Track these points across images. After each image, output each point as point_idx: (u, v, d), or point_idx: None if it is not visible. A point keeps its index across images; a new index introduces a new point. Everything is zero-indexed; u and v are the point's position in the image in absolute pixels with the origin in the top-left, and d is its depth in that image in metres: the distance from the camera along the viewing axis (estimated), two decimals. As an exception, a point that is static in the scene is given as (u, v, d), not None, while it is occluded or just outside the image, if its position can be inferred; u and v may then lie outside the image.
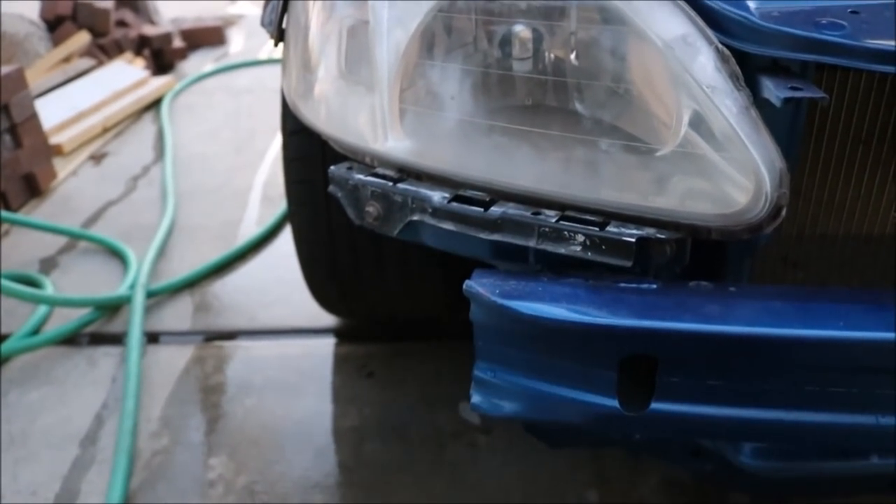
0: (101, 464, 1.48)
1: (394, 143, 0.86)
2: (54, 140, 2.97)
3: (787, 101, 0.66)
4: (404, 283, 1.46)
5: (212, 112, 3.61)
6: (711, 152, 0.71)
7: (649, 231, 0.73)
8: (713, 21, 0.72)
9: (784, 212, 0.69)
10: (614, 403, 0.70)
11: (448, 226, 0.80)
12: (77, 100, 3.34)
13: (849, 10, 0.72)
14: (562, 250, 0.74)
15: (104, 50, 4.00)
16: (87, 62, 3.78)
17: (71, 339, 1.87)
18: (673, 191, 0.73)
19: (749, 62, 0.72)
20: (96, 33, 4.00)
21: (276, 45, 1.10)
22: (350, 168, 0.89)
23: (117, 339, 1.86)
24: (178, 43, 4.52)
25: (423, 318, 1.73)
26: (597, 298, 0.71)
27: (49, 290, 2.03)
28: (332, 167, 0.90)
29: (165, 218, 2.43)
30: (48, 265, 2.24)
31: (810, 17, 0.71)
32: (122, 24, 4.26)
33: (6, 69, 2.54)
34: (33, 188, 2.66)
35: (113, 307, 1.97)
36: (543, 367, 0.74)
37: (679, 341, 0.67)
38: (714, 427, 0.71)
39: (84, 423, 1.59)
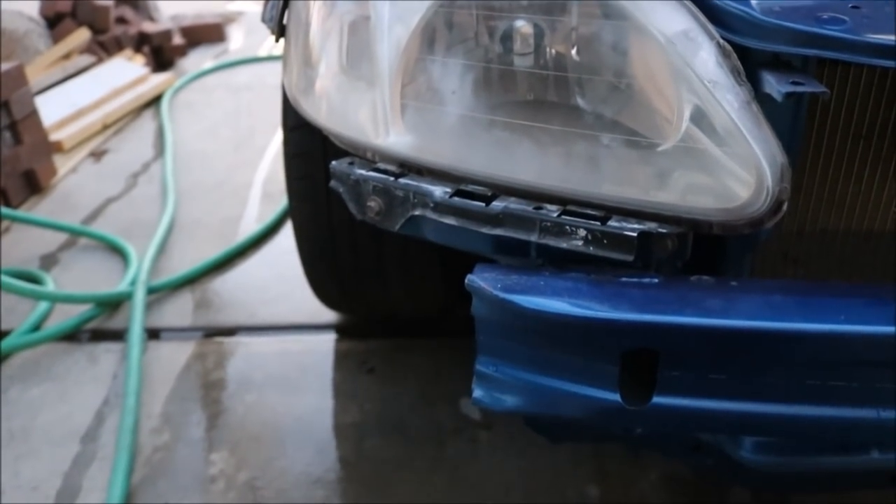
0: (102, 460, 1.48)
1: (395, 139, 0.86)
2: (54, 137, 2.97)
3: (788, 95, 0.67)
4: (405, 280, 1.46)
5: (211, 109, 3.60)
6: (713, 147, 0.71)
7: (651, 225, 0.73)
8: (714, 16, 0.72)
9: (785, 206, 0.70)
10: (616, 397, 0.71)
11: (449, 221, 0.80)
12: (77, 97, 3.34)
13: (850, 5, 0.73)
14: (563, 245, 0.74)
15: (104, 47, 4.00)
16: (86, 59, 3.78)
17: (72, 336, 1.87)
18: (674, 185, 0.73)
19: (750, 57, 0.72)
20: (96, 30, 4.00)
21: (277, 40, 1.10)
22: (351, 163, 0.89)
23: (118, 336, 1.86)
24: (177, 40, 4.51)
25: (424, 314, 1.73)
26: (598, 292, 0.71)
27: (50, 286, 2.03)
28: (333, 162, 0.90)
29: (166, 215, 2.43)
30: (49, 262, 2.24)
31: (811, 11, 0.71)
32: (121, 20, 4.26)
33: (6, 66, 2.54)
34: (34, 185, 2.66)
35: (114, 304, 1.97)
36: (545, 361, 0.74)
37: (680, 335, 0.67)
38: (715, 421, 0.71)
39: (85, 419, 1.59)
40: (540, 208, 0.76)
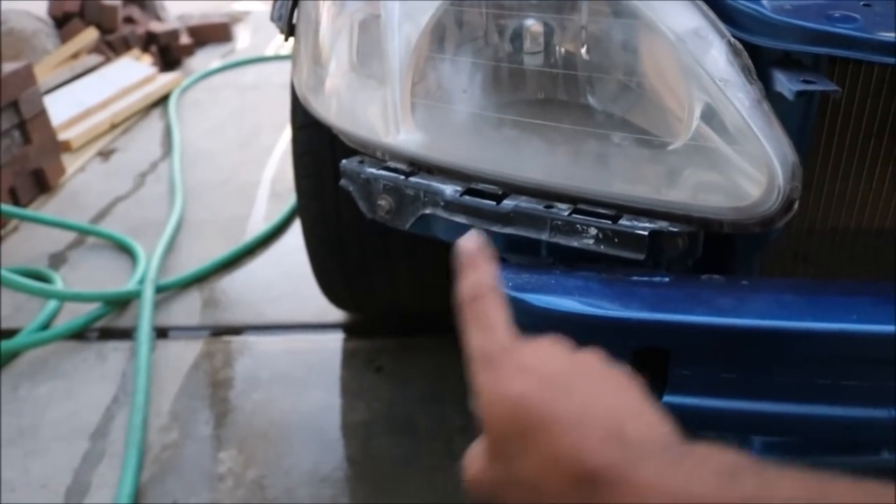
0: (112, 457, 1.49)
1: (405, 137, 0.86)
2: (63, 136, 2.98)
3: (799, 94, 0.66)
4: (413, 278, 1.46)
5: (219, 108, 3.61)
6: (724, 145, 0.71)
7: (662, 224, 0.73)
8: (725, 14, 0.72)
9: (796, 205, 0.69)
10: (626, 396, 0.70)
11: (460, 219, 0.80)
12: (85, 96, 3.35)
13: (861, 2, 0.72)
14: (574, 243, 0.74)
15: (112, 46, 4.01)
16: (94, 59, 3.79)
17: (80, 334, 1.88)
18: (685, 184, 0.73)
19: (761, 55, 0.72)
20: (104, 30, 4.01)
21: (286, 39, 1.10)
22: (362, 162, 0.89)
23: (126, 334, 1.87)
24: (185, 39, 4.53)
25: (432, 313, 1.73)
26: (609, 291, 0.71)
27: (58, 285, 2.04)
28: (343, 161, 0.90)
29: (174, 213, 2.44)
30: (57, 260, 2.25)
31: (822, 10, 0.71)
32: (129, 20, 4.27)
33: (14, 66, 2.55)
34: (42, 184, 2.67)
35: (122, 302, 1.98)
36: (555, 359, 0.74)
37: (691, 334, 0.67)
38: (726, 420, 0.71)
39: (94, 417, 1.60)
40: (551, 207, 0.76)
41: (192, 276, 2.08)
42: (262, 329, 1.89)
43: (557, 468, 0.42)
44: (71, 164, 2.90)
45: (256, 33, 5.10)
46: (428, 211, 0.82)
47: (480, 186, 0.81)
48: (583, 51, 0.79)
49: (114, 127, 3.32)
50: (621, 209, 0.75)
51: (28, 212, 2.46)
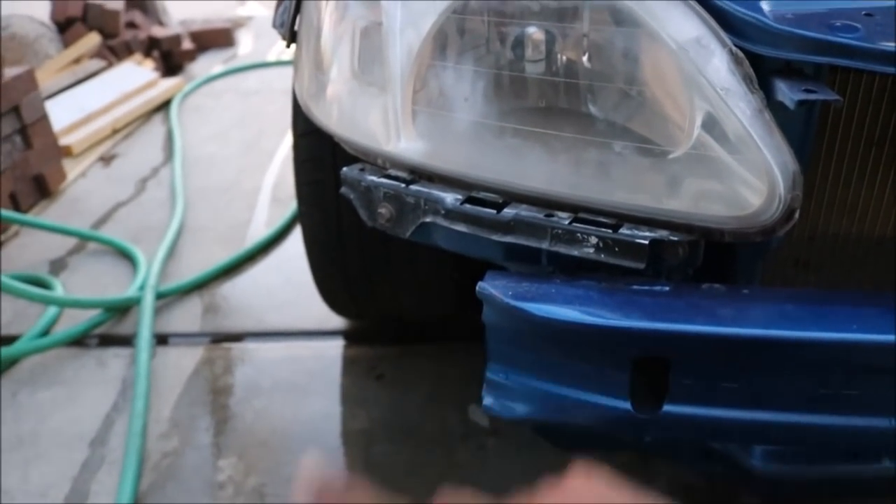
0: (111, 465, 1.48)
1: (406, 145, 0.86)
2: (64, 141, 2.98)
3: (800, 103, 0.66)
4: (414, 285, 1.46)
5: (221, 114, 3.62)
6: (725, 154, 0.71)
7: (662, 233, 0.73)
8: (727, 23, 0.72)
9: (797, 214, 0.69)
10: (627, 405, 0.70)
11: (460, 227, 0.80)
12: (87, 101, 3.36)
13: (863, 12, 0.72)
14: (575, 252, 0.74)
15: (114, 51, 4.02)
16: (96, 64, 3.80)
17: (80, 341, 1.88)
18: (686, 193, 0.73)
19: (762, 64, 0.72)
20: (106, 35, 4.02)
21: (288, 46, 1.10)
22: (362, 169, 0.89)
23: (126, 341, 1.86)
24: (187, 45, 4.53)
25: (433, 320, 1.73)
26: (609, 300, 0.71)
27: (59, 291, 2.04)
28: (344, 168, 0.90)
29: (174, 219, 2.44)
30: (58, 266, 2.25)
31: (824, 19, 0.71)
32: (131, 25, 4.28)
33: (16, 70, 2.56)
34: (43, 189, 2.67)
35: (122, 308, 1.98)
36: (556, 369, 0.74)
37: (692, 343, 0.67)
38: (727, 429, 0.71)
39: (94, 424, 1.60)
40: (551, 215, 0.76)
41: (192, 283, 2.08)
42: (262, 336, 1.89)
43: None
44: (72, 169, 2.91)
45: (259, 39, 5.11)
46: (428, 219, 0.82)
47: (481, 195, 0.81)
48: (584, 59, 0.79)
49: (115, 132, 3.32)
50: (622, 218, 0.75)
51: (28, 217, 2.46)
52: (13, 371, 1.77)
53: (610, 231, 0.73)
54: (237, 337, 1.88)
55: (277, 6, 1.16)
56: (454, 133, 0.84)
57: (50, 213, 2.60)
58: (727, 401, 0.69)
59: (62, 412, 1.64)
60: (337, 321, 1.85)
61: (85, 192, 2.78)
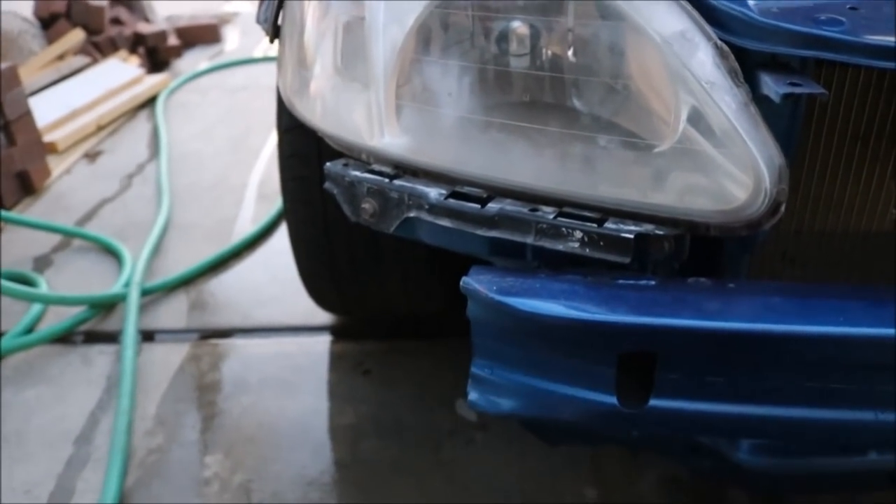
0: (96, 462, 1.47)
1: (390, 140, 0.85)
2: (48, 138, 2.96)
3: (786, 97, 0.66)
4: (400, 281, 1.45)
5: (207, 110, 3.59)
6: (710, 148, 0.70)
7: (647, 227, 0.72)
8: (712, 17, 0.72)
9: (783, 208, 0.69)
10: (612, 400, 0.70)
11: (445, 223, 0.79)
12: (71, 98, 3.33)
13: (848, 6, 0.72)
14: (559, 247, 0.74)
15: (99, 48, 3.99)
16: (81, 60, 3.76)
17: (65, 338, 1.86)
18: (671, 187, 0.73)
19: (748, 58, 0.72)
20: (91, 31, 3.98)
21: (271, 41, 1.09)
22: (346, 165, 0.89)
23: (112, 338, 1.85)
24: (172, 41, 4.50)
25: (420, 316, 1.73)
26: (595, 295, 0.71)
27: (43, 288, 2.02)
28: (328, 164, 0.90)
29: (160, 216, 2.42)
30: (42, 263, 2.23)
31: (809, 13, 0.71)
32: (116, 21, 4.24)
33: None
34: (27, 186, 2.64)
35: (108, 305, 1.96)
36: (541, 363, 0.74)
37: (678, 338, 0.67)
38: (713, 424, 0.70)
39: (79, 421, 1.58)
40: (536, 210, 0.76)
41: (178, 279, 2.07)
42: (249, 332, 1.88)
43: None
44: (57, 166, 2.88)
45: (245, 35, 5.08)
46: (412, 214, 0.81)
47: (465, 190, 0.80)
48: (569, 53, 0.79)
49: (100, 129, 3.29)
50: (607, 212, 0.74)
51: (12, 214, 2.44)
52: (-3, 369, 1.76)
53: (595, 225, 0.73)
54: (224, 333, 1.87)
55: (261, 2, 1.14)
56: (438, 128, 0.84)
57: (34, 210, 2.58)
58: (714, 395, 0.69)
59: (47, 410, 1.62)
60: (324, 317, 1.85)
61: (70, 188, 2.76)
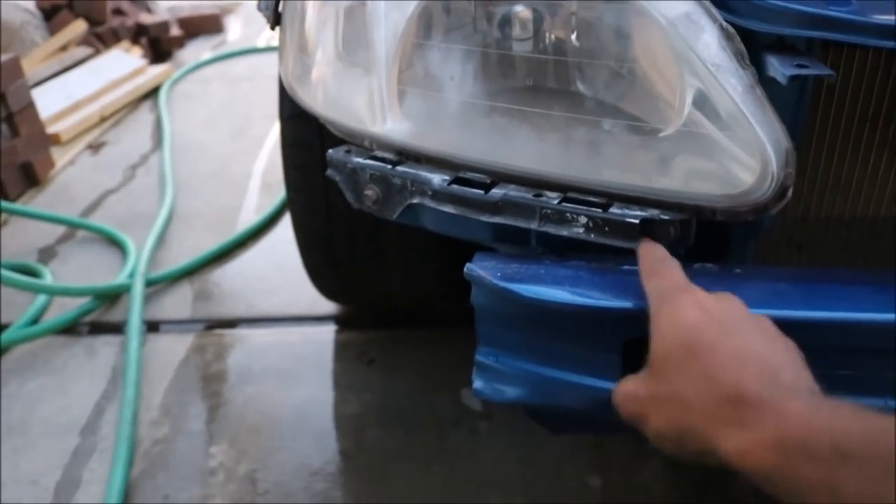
0: (102, 452, 1.47)
1: (392, 126, 0.85)
2: (52, 129, 2.96)
3: (793, 79, 0.65)
4: (403, 269, 1.45)
5: (210, 100, 3.59)
6: (716, 132, 0.69)
7: (653, 212, 0.72)
8: (717, -2, 0.71)
9: (790, 192, 0.68)
10: (618, 387, 0.69)
11: (448, 209, 0.78)
12: (74, 89, 3.32)
13: (855, -15, 0.71)
14: (564, 232, 0.73)
15: (101, 39, 3.98)
16: (83, 51, 3.76)
17: (70, 329, 1.86)
18: (677, 171, 0.72)
19: (754, 40, 0.71)
20: (93, 22, 3.97)
21: (272, 28, 1.08)
22: (348, 151, 0.88)
23: (117, 329, 1.85)
24: (175, 31, 4.49)
25: (424, 305, 1.72)
26: (600, 281, 0.70)
27: (48, 279, 2.02)
28: (330, 151, 0.89)
29: (164, 206, 2.42)
30: (47, 255, 2.23)
31: (816, -7, 0.70)
32: (118, 12, 4.24)
33: (2, 58, 2.53)
34: (31, 178, 2.64)
35: (112, 296, 1.96)
36: (546, 350, 0.73)
37: (683, 324, 0.66)
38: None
39: (84, 412, 1.59)
40: (540, 195, 0.75)
41: (182, 270, 2.07)
42: (253, 322, 1.88)
43: (712, 388, 0.52)
44: (60, 157, 2.88)
45: (248, 24, 5.07)
46: (415, 200, 0.81)
47: (469, 175, 0.79)
48: (573, 37, 0.78)
49: (103, 120, 3.29)
50: (612, 197, 0.74)
51: (17, 206, 2.44)
52: (3, 360, 1.76)
53: (600, 210, 0.72)
54: (228, 323, 1.87)
55: (262, -12, 1.14)
56: (441, 113, 0.83)
57: (38, 202, 2.58)
58: (719, 381, 0.68)
59: (52, 401, 1.62)
60: (327, 306, 1.84)
61: (73, 179, 2.76)
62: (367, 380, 1.64)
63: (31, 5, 3.91)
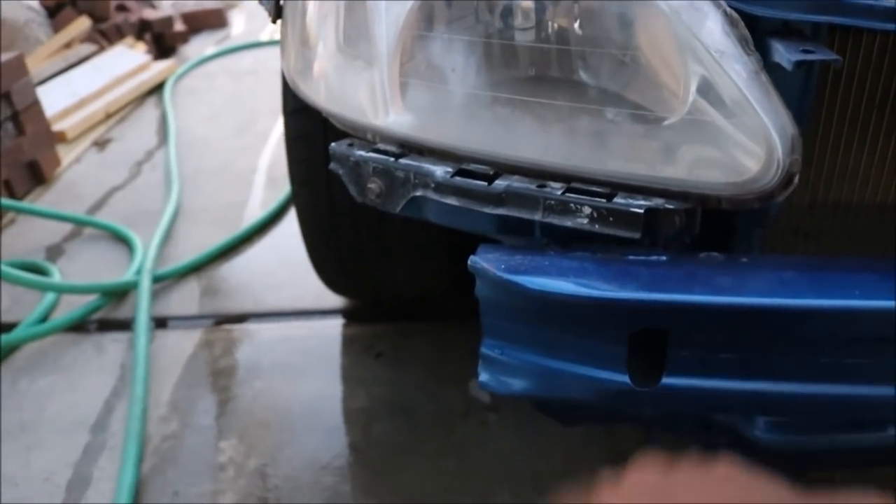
0: (112, 449, 1.48)
1: (395, 118, 0.84)
2: (57, 127, 2.96)
3: (798, 64, 0.64)
4: (408, 262, 1.45)
5: (214, 95, 3.59)
6: (721, 119, 0.68)
7: (658, 202, 0.71)
8: (721, -16, 0.70)
9: (796, 179, 0.67)
10: (625, 379, 0.69)
11: (451, 201, 0.78)
12: (79, 86, 3.33)
13: (862, -32, 0.70)
14: (568, 223, 0.72)
15: (105, 35, 3.98)
16: (88, 48, 3.76)
17: (79, 326, 1.87)
18: (681, 160, 0.71)
19: (759, 25, 0.70)
20: (97, 18, 3.98)
21: (274, 22, 1.08)
22: (351, 145, 0.88)
23: (125, 325, 1.86)
24: (179, 26, 4.49)
25: (429, 297, 1.72)
26: (605, 272, 0.69)
27: (56, 277, 2.03)
28: (333, 144, 0.88)
29: (170, 202, 2.42)
30: (54, 252, 2.24)
31: (822, -24, 0.69)
32: (122, 8, 4.24)
33: (6, 56, 2.53)
34: (37, 176, 2.65)
35: (120, 293, 1.97)
36: (552, 343, 0.73)
37: (690, 314, 0.66)
38: (727, 400, 0.69)
39: (93, 409, 1.59)
40: (543, 186, 0.74)
41: (189, 265, 2.07)
42: (261, 317, 1.88)
43: None
44: (66, 154, 2.89)
45: (251, 19, 5.06)
46: (419, 193, 0.80)
47: (472, 167, 0.79)
48: (575, 25, 0.77)
49: (109, 116, 3.29)
50: (616, 187, 0.73)
51: (24, 204, 2.45)
52: (13, 358, 1.77)
53: (604, 201, 0.71)
54: (236, 318, 1.88)
55: (263, -19, 1.13)
56: (443, 105, 0.82)
57: (45, 200, 2.59)
58: (727, 372, 0.68)
59: (62, 398, 1.63)
60: (334, 300, 1.84)
61: (80, 177, 2.76)
62: (375, 373, 1.64)
63: (35, 3, 3.92)
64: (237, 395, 1.61)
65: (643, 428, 1.38)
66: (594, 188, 0.73)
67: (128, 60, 3.70)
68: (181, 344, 1.78)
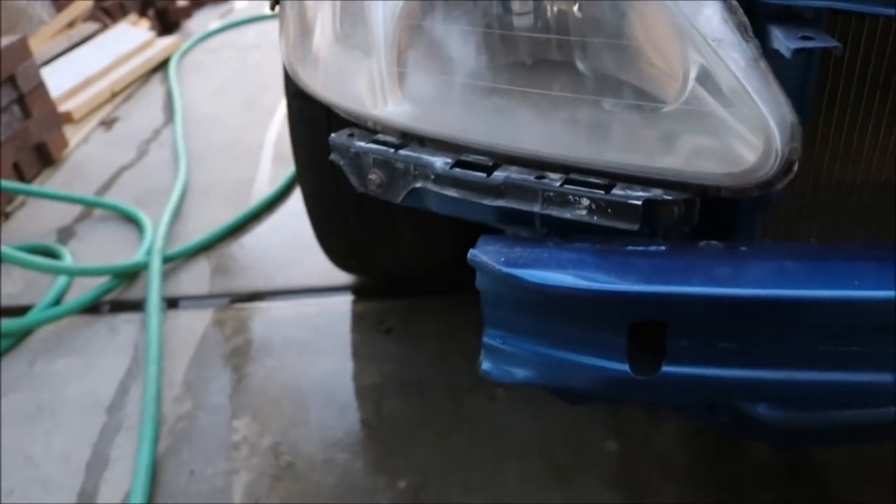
0: (128, 430, 1.51)
1: (394, 108, 0.84)
2: (63, 108, 2.97)
3: (797, 52, 0.63)
4: (415, 239, 1.45)
5: (220, 70, 3.57)
6: (719, 108, 0.68)
7: (656, 192, 0.71)
8: (719, -32, 0.69)
9: (796, 167, 0.67)
10: (625, 368, 0.70)
11: (451, 192, 0.78)
12: (84, 66, 3.32)
13: (863, -50, 0.69)
14: (567, 215, 0.72)
15: (108, 13, 3.96)
16: (91, 27, 3.75)
17: (92, 308, 1.90)
18: (680, 150, 0.71)
19: (758, 11, 0.69)
20: (99, -5, 3.95)
21: (272, 8, 1.07)
22: (351, 135, 0.88)
23: (137, 306, 1.88)
24: (182, 2, 4.46)
25: (436, 273, 1.73)
26: (604, 263, 0.69)
27: (68, 259, 2.05)
28: (332, 135, 0.88)
29: (178, 181, 2.43)
30: (65, 234, 2.26)
31: (822, -41, 0.67)
32: (124, -17, 4.20)
33: (9, 39, 2.53)
34: (46, 158, 2.66)
35: (131, 274, 1.99)
36: (553, 333, 0.73)
37: (688, 305, 0.66)
38: (726, 389, 0.70)
39: (109, 390, 1.62)
40: (542, 177, 0.74)
41: (199, 244, 2.09)
42: (271, 295, 1.90)
43: None
44: (73, 135, 2.90)
45: (254, -10, 5.01)
46: (419, 184, 0.80)
47: (471, 158, 0.79)
48: (575, 9, 0.76)
49: (114, 95, 3.29)
50: (615, 178, 0.73)
51: (33, 187, 2.46)
52: (28, 341, 1.80)
53: (602, 192, 0.71)
54: (246, 297, 1.89)
55: (261, -35, 1.12)
56: (442, 94, 0.82)
57: (54, 181, 2.60)
58: (726, 360, 0.68)
59: (78, 380, 1.66)
60: (344, 277, 1.86)
61: (88, 157, 2.78)
62: (385, 349, 1.66)
63: (37, -19, 3.89)
64: (249, 374, 1.63)
65: (646, 407, 1.40)
66: (592, 179, 0.73)
67: (131, 38, 3.69)
68: (193, 324, 1.81)
